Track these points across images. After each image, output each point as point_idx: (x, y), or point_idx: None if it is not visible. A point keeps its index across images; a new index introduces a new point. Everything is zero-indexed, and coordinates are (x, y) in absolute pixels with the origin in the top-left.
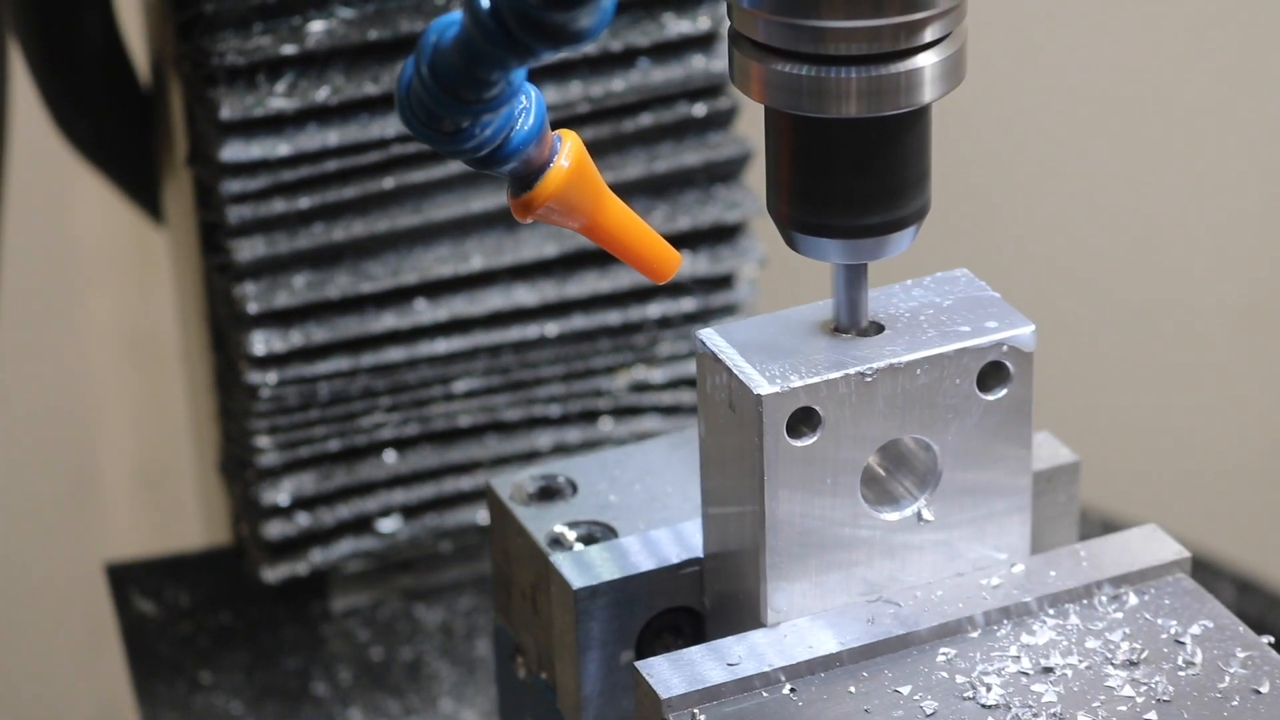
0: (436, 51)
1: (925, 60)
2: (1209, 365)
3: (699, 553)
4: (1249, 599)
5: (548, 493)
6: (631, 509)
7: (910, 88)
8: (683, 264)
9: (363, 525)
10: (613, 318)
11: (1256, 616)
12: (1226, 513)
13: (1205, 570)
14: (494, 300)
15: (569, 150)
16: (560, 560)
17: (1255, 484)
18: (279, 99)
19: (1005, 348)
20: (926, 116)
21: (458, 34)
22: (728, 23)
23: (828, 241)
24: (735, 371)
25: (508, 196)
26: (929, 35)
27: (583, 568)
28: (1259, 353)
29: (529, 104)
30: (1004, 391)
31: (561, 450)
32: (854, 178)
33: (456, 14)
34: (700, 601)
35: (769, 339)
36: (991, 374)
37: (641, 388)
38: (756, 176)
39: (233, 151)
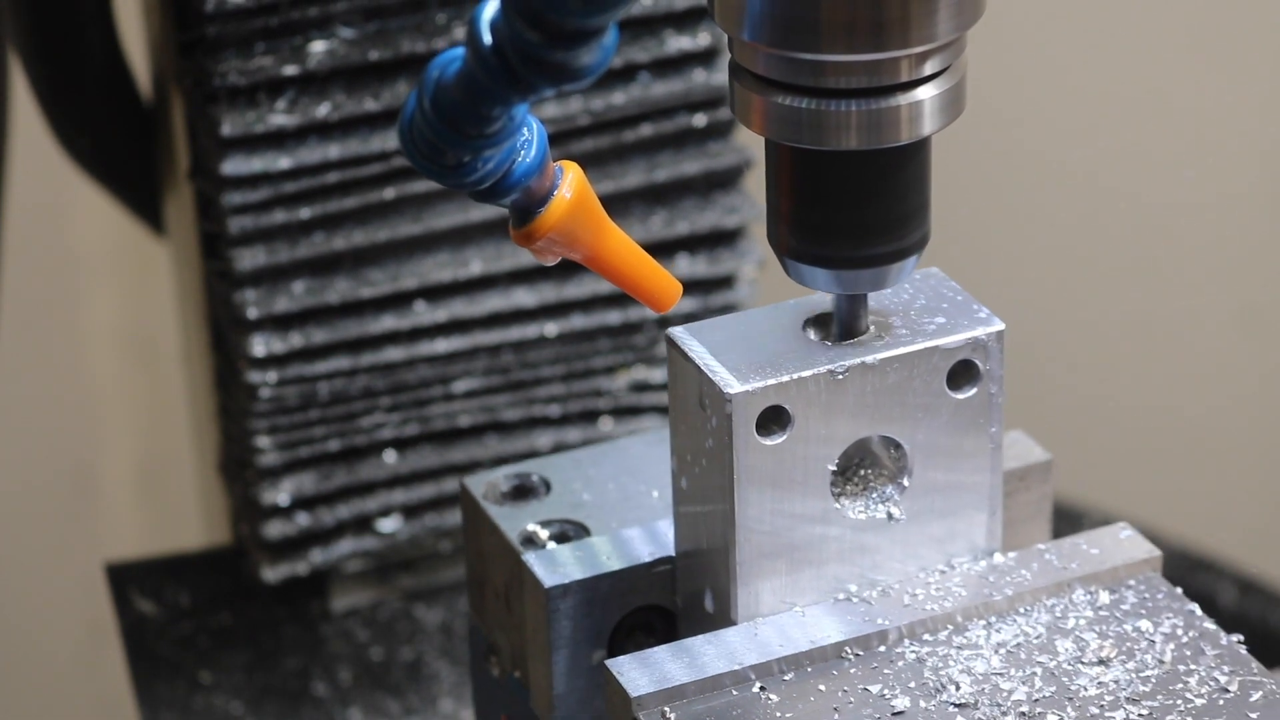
0: (439, 87)
1: (925, 93)
2: (1209, 365)
3: (671, 551)
4: (1249, 599)
5: (521, 491)
6: (604, 508)
7: (910, 120)
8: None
9: (363, 525)
10: (612, 318)
11: (1257, 616)
12: (1226, 513)
13: (1205, 570)
14: (493, 301)
15: (570, 182)
16: (532, 559)
17: (1255, 484)
18: (280, 115)
19: (975, 346)
20: (926, 148)
21: (460, 69)
22: (728, 47)
23: (827, 272)
24: (705, 370)
25: (510, 228)
26: (929, 68)
27: (555, 566)
28: (1259, 352)
29: (531, 136)
30: (974, 390)
31: (562, 451)
32: (854, 209)
33: (459, 49)
34: (672, 600)
35: (739, 337)
36: (961, 372)
37: (641, 388)
38: (755, 181)
39: (234, 165)
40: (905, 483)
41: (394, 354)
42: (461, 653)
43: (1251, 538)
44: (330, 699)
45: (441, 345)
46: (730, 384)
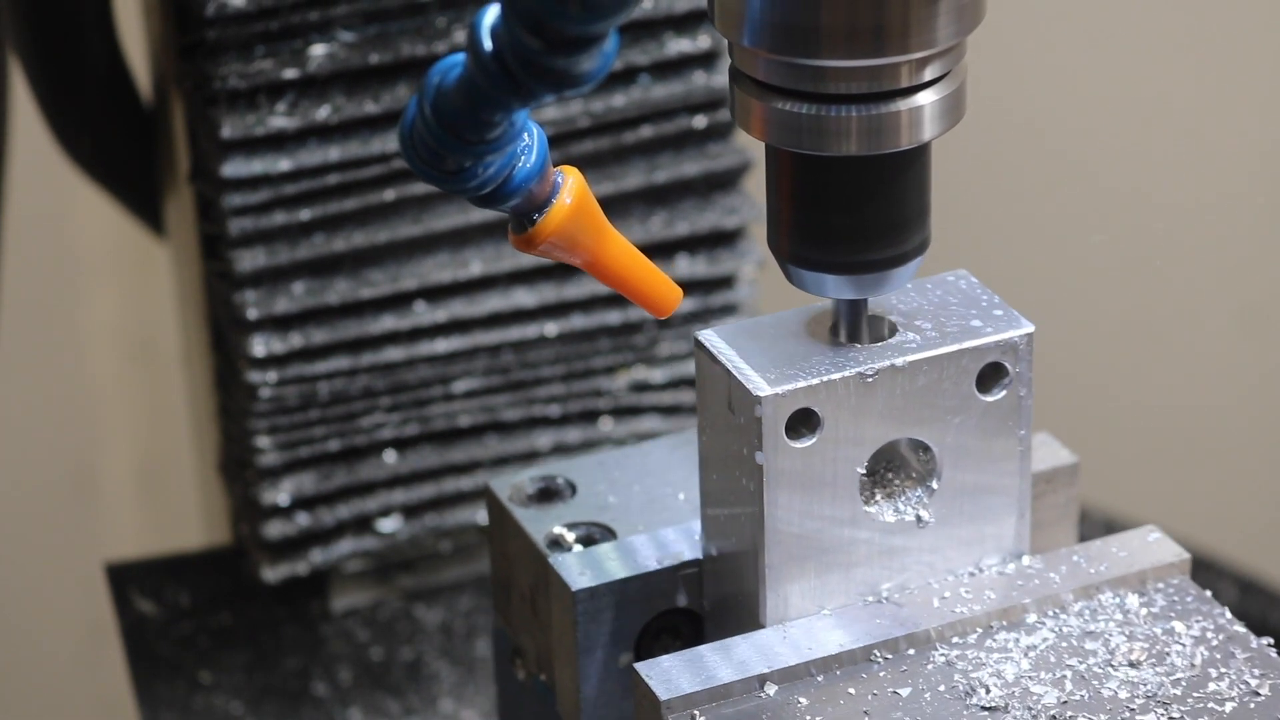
0: (440, 93)
1: (925, 99)
2: (1210, 365)
3: (698, 554)
4: (1249, 599)
5: (547, 494)
6: (630, 510)
7: (910, 126)
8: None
9: (363, 525)
10: (612, 318)
11: (1257, 616)
12: (1226, 513)
13: (1206, 570)
14: (493, 301)
15: (571, 187)
16: (559, 562)
17: (1255, 484)
18: (280, 118)
19: (1004, 349)
20: (926, 153)
21: (461, 75)
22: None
23: (828, 277)
24: (734, 372)
25: (509, 233)
26: (929, 74)
27: (582, 569)
28: (1259, 353)
29: (531, 141)
30: (1003, 392)
31: (561, 450)
32: (854, 214)
33: (460, 55)
34: (699, 603)
35: (768, 340)
36: (990, 375)
37: (641, 388)
38: (755, 182)
39: (234, 168)
40: (934, 485)
41: (394, 354)
42: (462, 653)
43: (1251, 538)
44: (330, 699)
45: (441, 345)
46: (760, 387)
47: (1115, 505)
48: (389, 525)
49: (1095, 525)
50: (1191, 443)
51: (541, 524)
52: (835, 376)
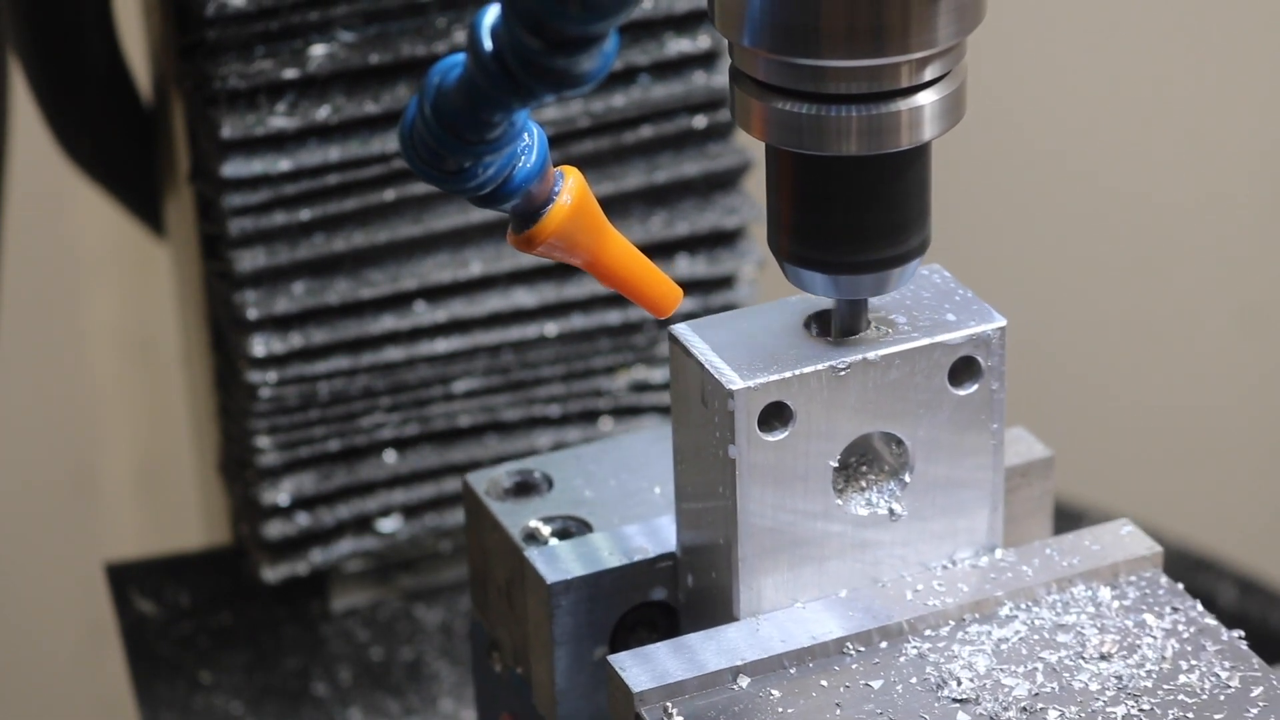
0: (440, 93)
1: (925, 99)
2: (1209, 365)
3: (673, 547)
4: (1249, 599)
5: (524, 488)
6: (607, 504)
7: (910, 126)
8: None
9: (363, 525)
10: (612, 318)
11: (1257, 616)
12: (1226, 513)
13: (1205, 570)
14: (493, 301)
15: (571, 187)
16: (534, 555)
17: (1255, 484)
18: (280, 118)
19: (977, 343)
20: (926, 153)
21: (461, 75)
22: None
23: (828, 276)
24: (707, 366)
25: (509, 233)
26: (929, 74)
27: (557, 562)
28: (1259, 352)
29: (531, 141)
30: (975, 386)
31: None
32: (854, 214)
33: (460, 55)
34: (674, 596)
35: (741, 334)
36: (963, 369)
37: (641, 388)
38: (755, 182)
39: (234, 168)
40: (907, 479)
41: (394, 354)
42: (462, 653)
43: (1251, 538)
44: (330, 699)
45: (441, 345)
46: (733, 380)
47: (1115, 505)
48: (389, 525)
49: (1094, 525)
50: (1191, 443)
51: (517, 518)
52: (808, 370)
